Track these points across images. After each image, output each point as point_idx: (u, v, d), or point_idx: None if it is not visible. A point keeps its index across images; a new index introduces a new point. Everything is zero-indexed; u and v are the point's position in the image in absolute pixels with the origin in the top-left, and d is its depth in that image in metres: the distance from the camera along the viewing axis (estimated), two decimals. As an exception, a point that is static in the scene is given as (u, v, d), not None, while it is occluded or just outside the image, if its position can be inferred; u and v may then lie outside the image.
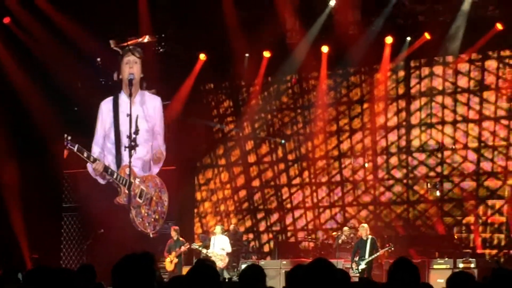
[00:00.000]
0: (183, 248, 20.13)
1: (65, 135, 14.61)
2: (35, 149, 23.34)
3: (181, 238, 20.52)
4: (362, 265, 18.17)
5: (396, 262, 5.80)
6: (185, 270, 20.28)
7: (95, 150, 14.83)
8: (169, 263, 20.23)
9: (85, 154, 13.32)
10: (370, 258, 18.19)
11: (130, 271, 4.70)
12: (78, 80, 23.89)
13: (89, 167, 13.55)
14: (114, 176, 12.72)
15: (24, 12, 22.38)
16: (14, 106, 23.15)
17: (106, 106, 13.00)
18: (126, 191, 14.45)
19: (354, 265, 18.36)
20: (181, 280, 6.12)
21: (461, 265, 18.40)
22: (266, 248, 24.59)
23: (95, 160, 12.59)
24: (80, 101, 23.33)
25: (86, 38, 22.78)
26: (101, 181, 14.67)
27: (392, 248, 18.73)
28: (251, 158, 25.36)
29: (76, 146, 13.36)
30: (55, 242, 24.59)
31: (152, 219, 16.91)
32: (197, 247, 20.28)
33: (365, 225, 19.28)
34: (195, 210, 25.72)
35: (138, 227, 14.97)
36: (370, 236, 18.53)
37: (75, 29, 22.64)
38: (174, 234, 20.49)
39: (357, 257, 18.48)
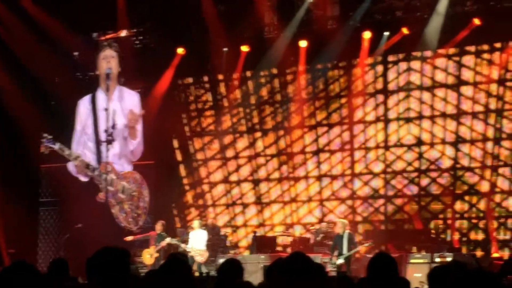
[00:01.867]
0: (163, 243, 20.07)
1: (44, 134, 14.41)
2: (11, 143, 23.21)
3: (163, 233, 20.45)
4: (340, 260, 18.16)
5: (375, 256, 5.84)
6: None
7: (75, 148, 14.66)
8: (149, 257, 20.17)
9: (67, 152, 13.19)
10: (348, 254, 18.19)
11: (104, 263, 4.71)
12: (55, 75, 23.76)
13: (70, 165, 13.40)
14: (96, 173, 12.67)
15: (0, 5, 22.22)
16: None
17: (83, 103, 12.77)
18: (109, 187, 14.36)
19: (333, 259, 18.33)
20: (156, 274, 6.13)
21: (437, 259, 18.47)
22: (244, 243, 24.60)
23: (76, 157, 12.46)
24: (57, 96, 23.25)
25: (63, 32, 22.71)
26: (83, 179, 14.52)
27: (373, 245, 18.77)
28: (230, 153, 25.34)
29: (58, 144, 13.23)
30: (31, 236, 24.49)
31: (135, 214, 16.86)
32: (175, 242, 20.22)
33: (342, 220, 19.23)
34: (173, 205, 25.67)
35: (122, 223, 14.87)
36: (347, 231, 18.51)
37: (52, 23, 22.56)
38: (159, 228, 20.40)
39: (336, 252, 18.47)
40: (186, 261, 5.58)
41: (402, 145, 23.00)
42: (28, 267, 4.66)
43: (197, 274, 18.27)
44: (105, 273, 4.67)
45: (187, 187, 25.79)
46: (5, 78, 22.68)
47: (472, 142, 22.13)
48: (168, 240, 20.15)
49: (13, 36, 22.60)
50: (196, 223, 20.38)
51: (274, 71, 24.69)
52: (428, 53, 22.68)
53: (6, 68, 22.65)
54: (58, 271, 8.04)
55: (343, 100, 23.89)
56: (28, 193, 24.41)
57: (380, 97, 23.34)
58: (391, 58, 23.24)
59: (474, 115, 22.14)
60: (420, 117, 22.81)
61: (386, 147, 23.19)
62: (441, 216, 22.38)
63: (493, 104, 21.91)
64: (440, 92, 22.61)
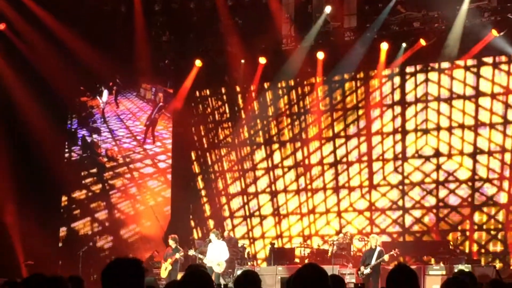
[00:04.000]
0: (177, 256, 20.07)
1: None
2: (34, 158, 23.45)
3: (179, 247, 20.49)
4: (367, 270, 18.14)
5: (394, 268, 5.77)
6: (180, 276, 20.29)
7: None
8: (164, 270, 20.21)
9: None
10: (375, 263, 18.13)
11: (118, 274, 4.72)
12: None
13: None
14: None
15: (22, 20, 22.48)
16: (8, 110, 23.28)
17: None
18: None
19: (362, 268, 18.32)
20: (176, 285, 6.14)
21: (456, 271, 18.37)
22: (261, 254, 24.57)
23: None
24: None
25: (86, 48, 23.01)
26: None
27: (398, 253, 18.63)
28: (247, 164, 25.35)
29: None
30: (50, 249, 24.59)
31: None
32: (193, 253, 20.23)
33: (376, 236, 19.27)
34: (191, 216, 25.70)
35: None
36: (379, 247, 18.49)
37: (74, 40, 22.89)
38: (172, 243, 20.45)
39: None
40: (207, 273, 5.57)
41: (420, 157, 22.92)
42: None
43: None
44: (120, 284, 4.68)
45: (205, 199, 25.80)
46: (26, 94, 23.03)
47: (491, 153, 22.01)
48: (191, 252, 20.19)
49: (34, 50, 22.93)
50: (213, 235, 20.38)
51: (292, 82, 24.73)
52: (446, 64, 22.62)
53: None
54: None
55: (361, 112, 23.85)
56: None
57: (398, 109, 23.29)
58: (408, 69, 23.20)
59: (492, 126, 22.04)
60: (438, 128, 22.73)
61: (404, 159, 23.11)
62: (459, 227, 22.26)
63: (511, 115, 21.80)
64: (458, 103, 22.53)
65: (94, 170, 27.48)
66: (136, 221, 25.86)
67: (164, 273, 20.20)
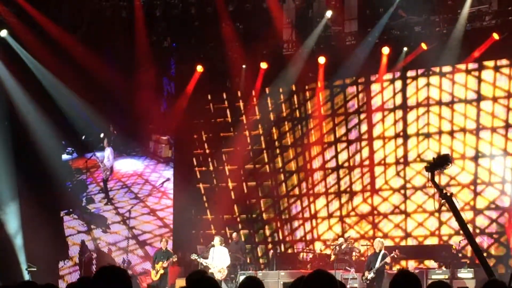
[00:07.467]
0: (170, 260, 20.13)
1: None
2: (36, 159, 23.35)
3: (168, 250, 20.57)
4: (371, 274, 18.19)
5: (397, 274, 5.80)
6: (179, 282, 20.32)
7: None
8: (155, 274, 20.20)
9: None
10: (378, 266, 18.19)
11: (104, 283, 4.79)
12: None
13: None
14: None
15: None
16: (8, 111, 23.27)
17: None
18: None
19: (366, 274, 18.38)
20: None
21: (460, 275, 18.41)
22: (264, 259, 24.55)
23: None
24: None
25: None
26: None
27: (398, 254, 18.64)
28: (249, 169, 25.33)
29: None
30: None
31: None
32: (196, 257, 20.18)
33: (381, 239, 19.31)
34: (194, 221, 25.65)
35: None
36: (383, 251, 18.55)
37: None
38: (163, 245, 20.53)
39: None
40: (215, 281, 5.56)
41: (422, 161, 22.87)
42: None
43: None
44: None
45: (207, 204, 25.77)
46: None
47: (492, 157, 22.00)
48: (193, 256, 20.17)
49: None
50: (216, 240, 20.31)
51: (293, 87, 24.72)
52: (447, 68, 22.62)
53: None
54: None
55: (362, 116, 23.84)
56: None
57: (399, 113, 23.29)
58: (410, 73, 23.20)
59: (494, 129, 22.03)
60: (440, 132, 22.72)
61: (406, 163, 23.11)
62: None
63: (512, 119, 21.80)
64: (459, 107, 22.53)
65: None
66: None
67: (155, 276, 20.19)
